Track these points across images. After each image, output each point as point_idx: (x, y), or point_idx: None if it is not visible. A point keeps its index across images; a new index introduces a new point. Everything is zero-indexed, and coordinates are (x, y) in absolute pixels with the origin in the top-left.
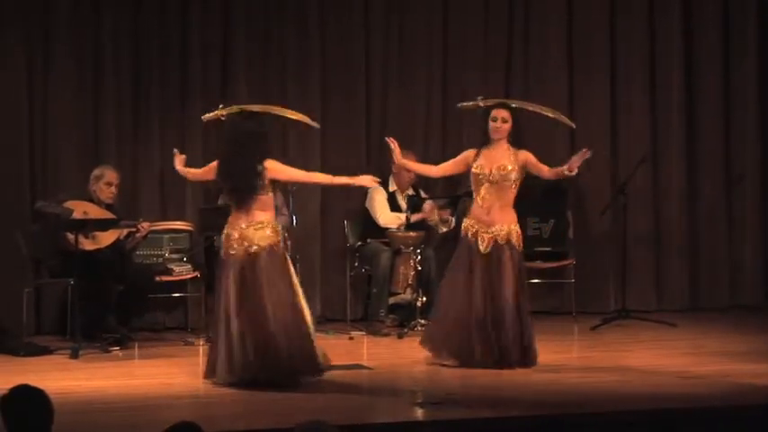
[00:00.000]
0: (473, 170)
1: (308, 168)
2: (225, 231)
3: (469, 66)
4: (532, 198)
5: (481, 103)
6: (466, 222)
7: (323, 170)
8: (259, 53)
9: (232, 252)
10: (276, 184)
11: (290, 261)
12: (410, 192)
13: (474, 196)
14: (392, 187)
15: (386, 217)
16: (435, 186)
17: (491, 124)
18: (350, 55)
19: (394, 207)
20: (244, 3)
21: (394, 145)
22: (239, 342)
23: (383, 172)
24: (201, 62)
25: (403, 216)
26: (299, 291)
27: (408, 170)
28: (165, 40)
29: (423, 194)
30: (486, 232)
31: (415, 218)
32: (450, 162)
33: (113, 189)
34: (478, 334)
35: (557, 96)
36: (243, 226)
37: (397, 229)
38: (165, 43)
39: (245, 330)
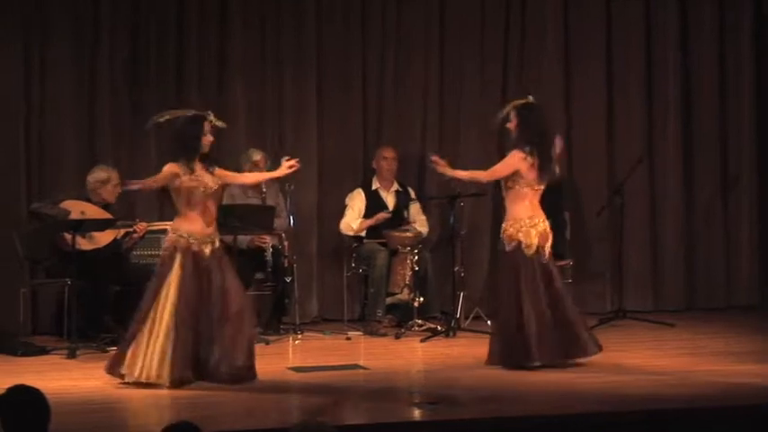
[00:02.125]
0: None
1: (304, 166)
2: None
3: (466, 61)
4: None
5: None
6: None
7: (319, 165)
8: (255, 50)
9: None
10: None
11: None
12: (397, 188)
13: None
14: (375, 185)
15: (344, 223)
16: (431, 185)
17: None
18: (347, 49)
19: (377, 204)
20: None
21: (440, 164)
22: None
23: (364, 170)
24: (198, 60)
25: (355, 224)
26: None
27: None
28: (162, 39)
29: (412, 194)
30: None
31: (364, 225)
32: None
33: (119, 189)
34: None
35: (553, 97)
36: None
37: (354, 235)
38: (161, 42)
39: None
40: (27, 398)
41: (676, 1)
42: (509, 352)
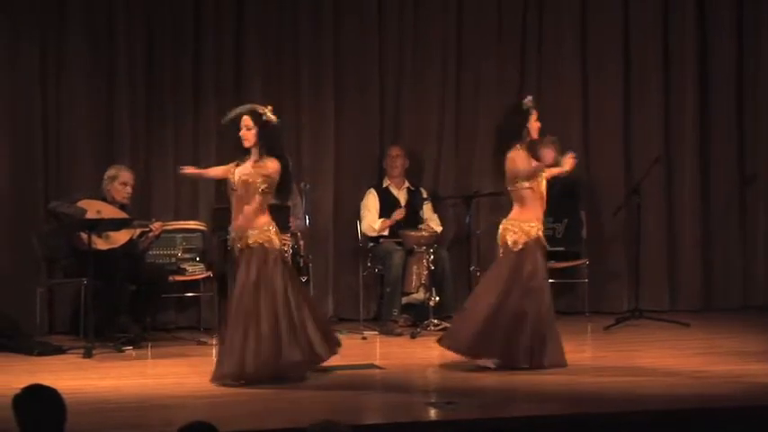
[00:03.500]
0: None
1: (320, 165)
2: (273, 229)
3: (482, 61)
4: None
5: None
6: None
7: (336, 165)
8: (272, 51)
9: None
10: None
11: None
12: (408, 186)
13: (535, 193)
14: (386, 183)
15: (365, 224)
16: (447, 185)
17: (536, 125)
18: (364, 52)
19: (389, 201)
20: (257, 1)
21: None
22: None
23: (379, 171)
24: (215, 61)
25: (376, 224)
26: None
27: None
28: (179, 41)
29: (424, 193)
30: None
31: (385, 225)
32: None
33: (129, 189)
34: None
35: (570, 97)
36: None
37: (379, 238)
38: (178, 44)
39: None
40: (43, 397)
41: (695, 3)
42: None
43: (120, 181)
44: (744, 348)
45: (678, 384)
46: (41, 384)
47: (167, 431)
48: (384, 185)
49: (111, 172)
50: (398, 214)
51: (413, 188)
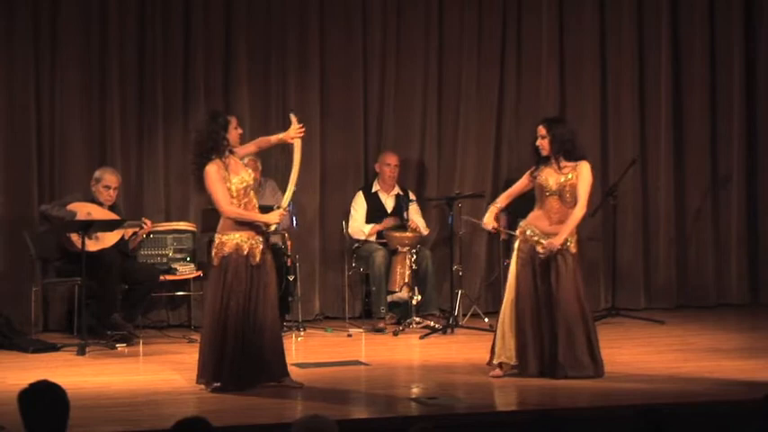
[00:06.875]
0: None
1: (307, 167)
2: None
3: (463, 67)
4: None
5: None
6: None
7: (322, 168)
8: (260, 57)
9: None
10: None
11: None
12: (398, 191)
13: None
14: (375, 188)
15: (352, 228)
16: (431, 188)
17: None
18: (348, 56)
19: (377, 207)
20: (245, 4)
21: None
22: None
23: (365, 172)
24: (204, 65)
25: (366, 229)
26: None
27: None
28: (169, 43)
29: (411, 196)
30: None
31: (372, 231)
32: None
33: (111, 192)
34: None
35: (548, 103)
36: None
37: (365, 240)
38: (169, 48)
39: None
40: (49, 393)
41: (669, 7)
42: None
43: (103, 184)
44: (716, 345)
45: (653, 380)
46: (47, 381)
47: (158, 426)
48: (373, 190)
49: (96, 174)
50: (389, 222)
51: (401, 192)
